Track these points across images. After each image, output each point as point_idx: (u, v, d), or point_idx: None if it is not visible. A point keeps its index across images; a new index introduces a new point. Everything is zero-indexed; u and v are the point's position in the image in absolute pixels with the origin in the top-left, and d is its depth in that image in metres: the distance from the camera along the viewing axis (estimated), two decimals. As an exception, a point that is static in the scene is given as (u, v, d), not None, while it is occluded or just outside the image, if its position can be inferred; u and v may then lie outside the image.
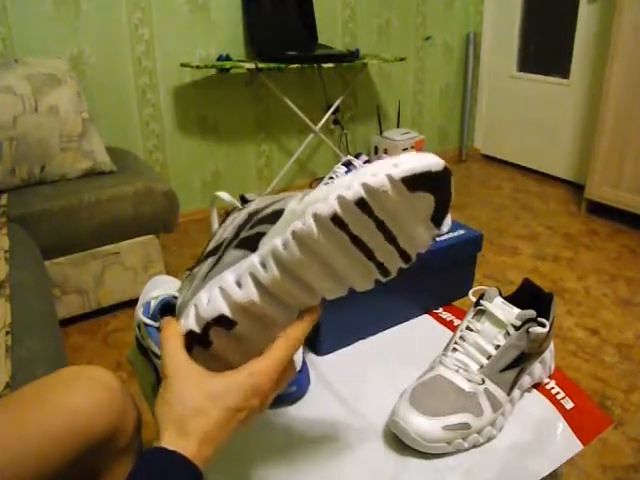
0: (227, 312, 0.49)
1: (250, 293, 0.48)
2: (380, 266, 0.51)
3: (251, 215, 0.54)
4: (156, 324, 0.69)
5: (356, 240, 0.48)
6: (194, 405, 0.45)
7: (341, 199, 0.45)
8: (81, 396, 0.56)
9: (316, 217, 0.45)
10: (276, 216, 0.50)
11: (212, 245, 0.55)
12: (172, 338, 0.50)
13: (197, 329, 0.50)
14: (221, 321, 0.49)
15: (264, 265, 0.48)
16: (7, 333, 0.97)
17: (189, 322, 0.50)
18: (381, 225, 0.48)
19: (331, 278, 0.50)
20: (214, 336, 0.50)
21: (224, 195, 0.60)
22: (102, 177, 1.82)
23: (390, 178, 0.45)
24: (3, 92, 1.65)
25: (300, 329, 0.51)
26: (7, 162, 1.66)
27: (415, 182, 0.46)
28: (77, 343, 1.72)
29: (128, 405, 0.61)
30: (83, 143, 1.78)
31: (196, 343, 0.50)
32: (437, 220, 0.51)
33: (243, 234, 0.52)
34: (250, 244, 0.51)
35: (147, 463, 0.44)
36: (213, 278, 0.51)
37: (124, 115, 2.36)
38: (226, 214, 0.58)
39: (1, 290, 1.12)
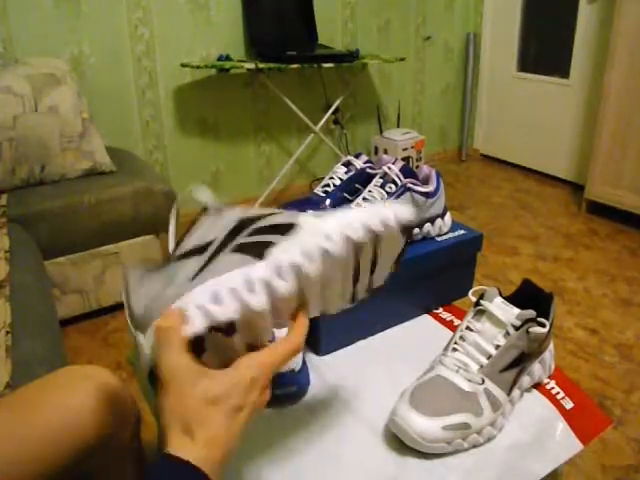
0: (237, 317, 0.48)
1: (262, 300, 0.49)
2: (353, 294, 0.59)
3: (244, 222, 0.53)
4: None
5: (356, 267, 0.55)
6: (196, 412, 0.44)
7: (366, 229, 0.52)
8: (80, 396, 0.56)
9: (346, 240, 0.51)
10: (286, 229, 0.52)
11: (192, 245, 0.53)
12: (176, 340, 0.46)
13: (203, 332, 0.47)
14: (228, 326, 0.48)
15: (280, 275, 0.49)
16: (7, 333, 0.97)
17: (195, 325, 0.47)
18: (374, 258, 0.57)
19: (321, 298, 0.55)
20: (209, 344, 0.48)
21: (203, 193, 0.56)
22: (102, 177, 1.82)
23: (397, 220, 0.55)
24: (3, 92, 1.65)
25: (301, 334, 0.52)
26: (7, 162, 1.66)
27: (405, 227, 0.57)
28: (77, 343, 1.72)
29: (128, 405, 0.61)
30: (83, 143, 1.78)
31: (196, 351, 0.48)
32: (398, 260, 0.62)
33: (240, 240, 0.52)
34: (254, 251, 0.51)
35: (154, 471, 0.43)
36: (206, 280, 0.49)
37: (124, 115, 2.36)
38: (199, 215, 0.56)
39: (1, 290, 1.12)
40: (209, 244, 0.52)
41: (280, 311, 0.52)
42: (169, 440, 0.44)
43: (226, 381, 0.46)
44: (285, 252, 0.50)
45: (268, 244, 0.51)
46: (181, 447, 0.43)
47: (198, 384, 0.45)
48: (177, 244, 0.53)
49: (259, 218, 0.54)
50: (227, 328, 0.48)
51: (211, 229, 0.53)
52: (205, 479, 0.42)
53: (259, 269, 0.49)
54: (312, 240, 0.50)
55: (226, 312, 0.47)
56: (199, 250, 0.52)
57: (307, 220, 0.53)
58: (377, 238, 0.54)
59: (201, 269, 0.50)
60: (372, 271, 0.58)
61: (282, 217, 0.54)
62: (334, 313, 0.59)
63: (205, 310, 0.47)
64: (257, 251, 0.51)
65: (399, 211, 0.55)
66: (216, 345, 0.49)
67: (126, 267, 0.53)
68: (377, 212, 0.54)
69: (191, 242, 0.53)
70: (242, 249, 0.51)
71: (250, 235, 0.52)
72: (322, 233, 0.51)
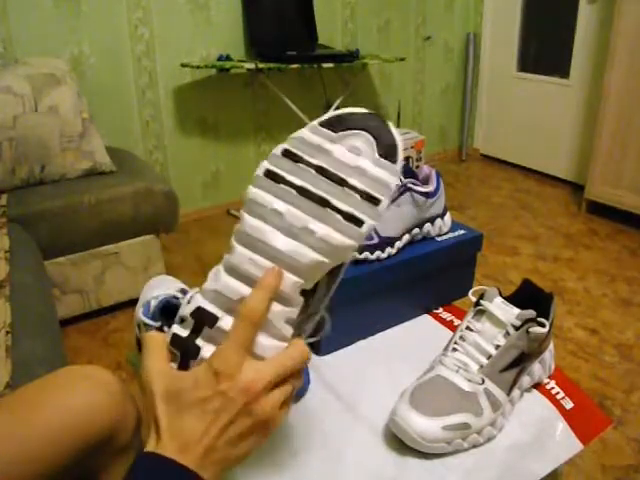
0: (206, 305, 0.48)
1: (223, 279, 0.49)
2: (348, 217, 0.49)
3: None
4: (156, 324, 0.69)
5: (303, 191, 0.49)
6: (159, 409, 0.46)
7: (270, 156, 0.50)
8: (81, 396, 0.56)
9: (254, 179, 0.49)
10: None
11: None
12: (155, 346, 0.49)
13: (183, 333, 0.49)
14: (202, 317, 0.48)
15: (231, 250, 0.49)
16: (7, 333, 0.97)
17: (172, 327, 0.49)
18: (322, 170, 0.49)
19: (296, 238, 0.49)
20: (202, 340, 0.49)
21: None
22: (102, 177, 1.82)
23: (309, 126, 0.49)
24: (3, 92, 1.65)
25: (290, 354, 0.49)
26: (7, 162, 1.66)
27: (335, 122, 0.49)
28: (77, 343, 1.72)
29: (128, 405, 0.61)
30: (83, 143, 1.78)
31: (186, 354, 0.49)
32: (387, 155, 0.51)
33: None
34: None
35: (132, 468, 0.45)
36: None
37: (124, 115, 2.36)
38: None
39: (1, 290, 1.12)
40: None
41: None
42: (147, 438, 0.46)
43: (187, 377, 0.47)
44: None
45: None
46: (152, 443, 0.45)
47: (162, 384, 0.46)
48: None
49: None
50: (206, 318, 0.48)
51: None
52: (177, 469, 0.43)
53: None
54: None
55: (191, 306, 0.49)
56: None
57: None
58: (292, 154, 0.50)
59: None
60: (342, 182, 0.50)
61: None
62: (352, 249, 0.51)
63: (180, 312, 0.50)
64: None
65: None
66: (210, 340, 0.49)
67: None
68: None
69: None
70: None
71: None
72: None
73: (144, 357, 0.48)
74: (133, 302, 1.91)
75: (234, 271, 0.49)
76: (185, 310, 0.49)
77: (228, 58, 2.44)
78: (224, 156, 2.69)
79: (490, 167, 3.38)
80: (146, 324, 0.70)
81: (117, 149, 2.10)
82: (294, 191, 0.49)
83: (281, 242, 0.48)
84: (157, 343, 0.49)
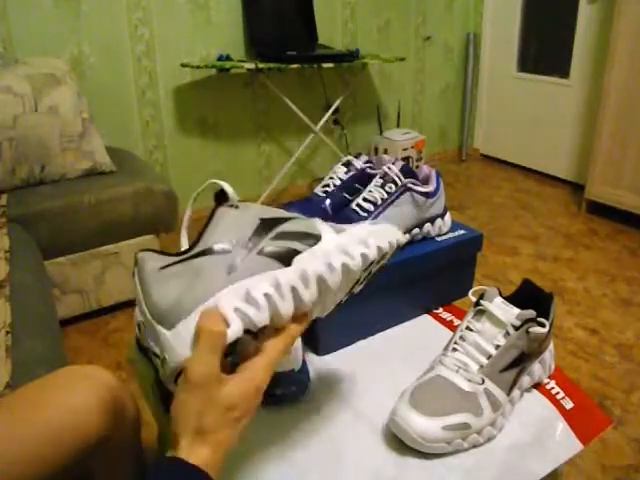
0: (268, 322, 0.49)
1: (290, 306, 0.50)
2: (339, 303, 0.63)
3: (265, 223, 0.53)
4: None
5: (357, 279, 0.59)
6: (215, 418, 0.46)
7: (379, 249, 0.57)
8: (80, 396, 0.56)
9: (364, 258, 0.55)
10: (308, 237, 0.54)
11: (215, 242, 0.51)
12: (221, 346, 0.46)
13: (237, 336, 0.47)
14: (258, 330, 0.49)
15: (306, 284, 0.51)
16: (7, 333, 0.97)
17: (235, 330, 0.47)
18: (368, 273, 0.61)
19: (320, 305, 0.58)
20: (240, 345, 0.49)
21: (226, 186, 0.56)
22: (102, 177, 1.82)
23: (398, 242, 0.62)
24: (3, 92, 1.65)
25: (297, 329, 0.53)
26: (7, 162, 1.66)
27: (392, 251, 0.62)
28: (77, 343, 1.72)
29: (128, 405, 0.61)
30: (83, 143, 1.78)
31: (243, 357, 0.50)
32: (379, 269, 0.66)
33: (265, 243, 0.52)
34: (281, 257, 0.52)
35: (163, 473, 0.44)
36: (236, 281, 0.49)
37: (124, 115, 2.36)
38: (214, 208, 0.55)
39: (1, 290, 1.12)
40: (235, 244, 0.51)
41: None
42: (180, 439, 0.45)
43: (241, 389, 0.47)
44: (311, 262, 0.52)
45: (293, 251, 0.52)
46: (192, 449, 0.45)
47: (221, 391, 0.46)
48: (198, 237, 0.52)
49: (279, 221, 0.54)
50: (257, 331, 0.49)
51: (233, 227, 0.52)
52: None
53: (287, 275, 0.50)
54: (336, 255, 0.53)
55: (262, 317, 0.48)
56: (225, 250, 0.51)
57: (328, 232, 0.56)
58: (383, 256, 0.59)
59: (230, 269, 0.49)
60: (360, 284, 0.63)
61: (303, 225, 0.55)
62: (320, 317, 0.62)
63: (243, 314, 0.47)
64: (282, 256, 0.51)
65: (399, 235, 0.63)
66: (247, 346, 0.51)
67: (141, 256, 0.51)
68: (385, 234, 0.60)
69: (214, 238, 0.51)
70: (268, 253, 0.52)
71: (274, 239, 0.53)
72: (344, 249, 0.54)
73: (208, 353, 0.45)
74: (133, 302, 1.91)
75: (297, 302, 0.51)
76: (259, 322, 0.48)
77: (228, 58, 2.44)
78: (224, 156, 2.69)
79: (490, 167, 3.38)
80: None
81: (117, 149, 2.10)
82: (357, 278, 0.61)
83: (328, 304, 0.60)
84: (223, 340, 0.46)
